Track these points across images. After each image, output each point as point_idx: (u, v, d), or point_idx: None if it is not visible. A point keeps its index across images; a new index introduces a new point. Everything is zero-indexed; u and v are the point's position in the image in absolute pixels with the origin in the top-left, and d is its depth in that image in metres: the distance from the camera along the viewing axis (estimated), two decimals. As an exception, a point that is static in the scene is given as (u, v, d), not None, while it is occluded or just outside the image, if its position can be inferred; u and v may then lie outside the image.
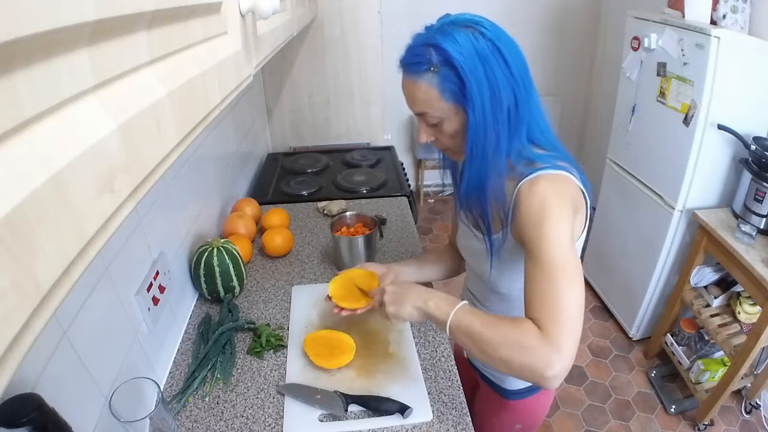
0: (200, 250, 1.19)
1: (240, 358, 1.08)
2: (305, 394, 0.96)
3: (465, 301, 0.78)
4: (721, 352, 1.89)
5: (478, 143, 0.73)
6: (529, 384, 1.01)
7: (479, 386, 1.16)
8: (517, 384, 1.03)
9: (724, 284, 1.87)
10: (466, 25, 0.70)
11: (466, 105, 0.71)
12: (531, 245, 0.71)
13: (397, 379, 1.00)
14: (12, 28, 0.19)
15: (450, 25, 0.70)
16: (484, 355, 0.72)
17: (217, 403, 0.97)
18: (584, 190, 0.78)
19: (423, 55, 0.70)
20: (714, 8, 1.80)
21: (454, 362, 1.06)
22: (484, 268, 0.90)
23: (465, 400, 0.97)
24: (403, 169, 2.11)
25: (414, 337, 1.11)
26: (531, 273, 0.71)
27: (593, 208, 0.86)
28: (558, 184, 0.74)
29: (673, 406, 1.98)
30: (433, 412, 0.94)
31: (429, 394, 0.98)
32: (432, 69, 0.69)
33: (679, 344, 2.03)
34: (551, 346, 0.65)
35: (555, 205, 0.71)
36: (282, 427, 0.91)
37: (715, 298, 1.85)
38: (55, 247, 0.22)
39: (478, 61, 0.68)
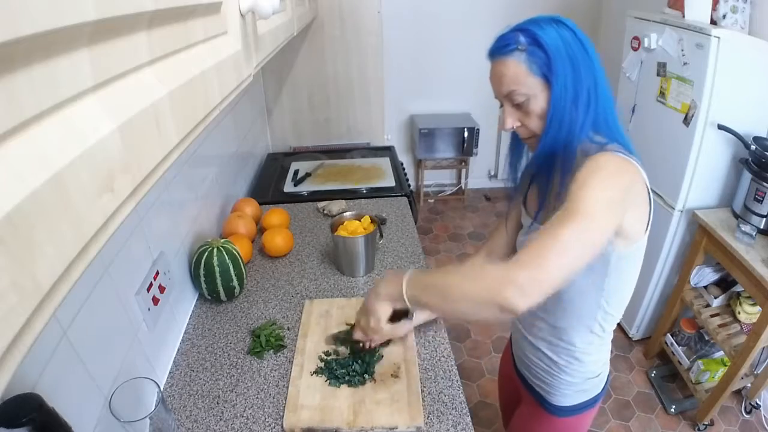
0: (200, 250, 1.19)
1: (240, 358, 1.08)
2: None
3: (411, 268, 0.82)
4: (721, 352, 1.89)
5: (557, 114, 0.76)
6: (579, 401, 0.97)
7: (522, 399, 1.11)
8: (565, 401, 0.98)
9: (724, 284, 1.87)
10: (550, 18, 0.78)
11: (551, 77, 0.75)
12: (569, 197, 0.71)
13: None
14: (12, 28, 0.19)
15: (535, 19, 0.78)
16: (446, 300, 0.74)
17: (217, 403, 0.97)
18: (649, 188, 0.79)
19: (511, 38, 0.77)
20: (714, 8, 1.80)
21: (453, 362, 1.06)
22: None
23: (465, 400, 0.97)
24: (403, 169, 2.11)
25: (414, 337, 1.11)
26: (555, 217, 0.70)
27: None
28: (620, 162, 0.75)
29: (673, 406, 1.98)
30: (432, 411, 0.94)
31: (429, 393, 0.98)
32: (520, 48, 0.76)
33: (679, 344, 2.03)
34: (509, 264, 0.67)
35: (608, 172, 0.73)
36: (282, 426, 0.91)
37: (715, 298, 1.85)
38: (55, 247, 0.22)
39: (561, 42, 0.75)
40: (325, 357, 1.05)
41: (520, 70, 0.76)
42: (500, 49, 0.78)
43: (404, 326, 0.91)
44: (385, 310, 0.86)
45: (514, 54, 0.76)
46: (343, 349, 1.05)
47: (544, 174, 0.85)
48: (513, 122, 0.82)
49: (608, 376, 1.01)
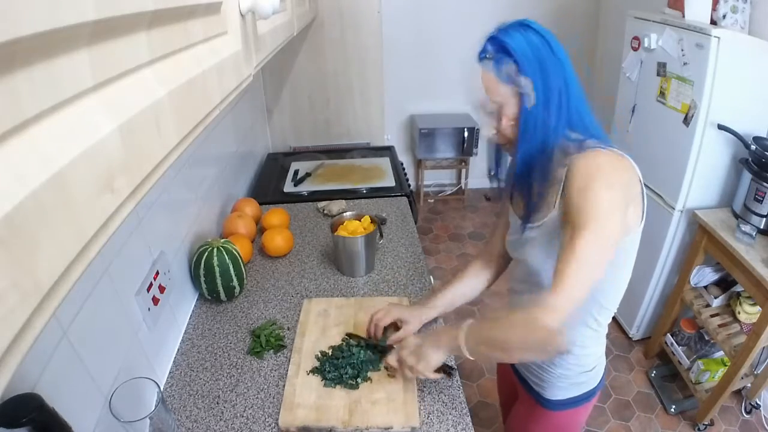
0: (200, 250, 1.19)
1: (240, 358, 1.08)
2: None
3: (468, 320, 0.85)
4: (721, 352, 1.89)
5: (530, 118, 0.78)
6: (573, 395, 0.98)
7: (518, 394, 1.12)
8: (559, 394, 0.99)
9: (724, 284, 1.87)
10: (519, 23, 0.79)
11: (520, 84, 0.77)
12: (573, 208, 0.75)
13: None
14: (12, 28, 0.19)
15: (505, 25, 0.80)
16: (504, 353, 0.81)
17: (217, 403, 0.97)
18: (641, 179, 0.81)
19: (484, 48, 0.80)
20: (714, 8, 1.80)
21: (454, 362, 1.06)
22: (536, 257, 0.89)
23: (465, 400, 0.97)
24: (403, 169, 2.11)
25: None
26: (568, 233, 0.75)
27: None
28: (612, 160, 0.77)
29: (673, 406, 1.98)
30: (432, 411, 0.94)
31: (429, 393, 0.98)
32: (488, 56, 0.78)
33: (679, 344, 2.03)
34: (546, 308, 0.73)
35: (604, 172, 0.75)
36: (280, 425, 0.91)
37: (715, 298, 1.85)
38: (55, 247, 0.22)
39: (527, 47, 0.76)
40: (321, 357, 1.05)
41: (491, 79, 0.79)
42: (479, 59, 0.80)
43: (439, 376, 0.93)
44: (439, 358, 0.89)
45: (484, 63, 0.79)
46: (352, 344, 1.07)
47: (525, 176, 0.87)
48: (489, 130, 0.84)
49: (604, 370, 1.02)
